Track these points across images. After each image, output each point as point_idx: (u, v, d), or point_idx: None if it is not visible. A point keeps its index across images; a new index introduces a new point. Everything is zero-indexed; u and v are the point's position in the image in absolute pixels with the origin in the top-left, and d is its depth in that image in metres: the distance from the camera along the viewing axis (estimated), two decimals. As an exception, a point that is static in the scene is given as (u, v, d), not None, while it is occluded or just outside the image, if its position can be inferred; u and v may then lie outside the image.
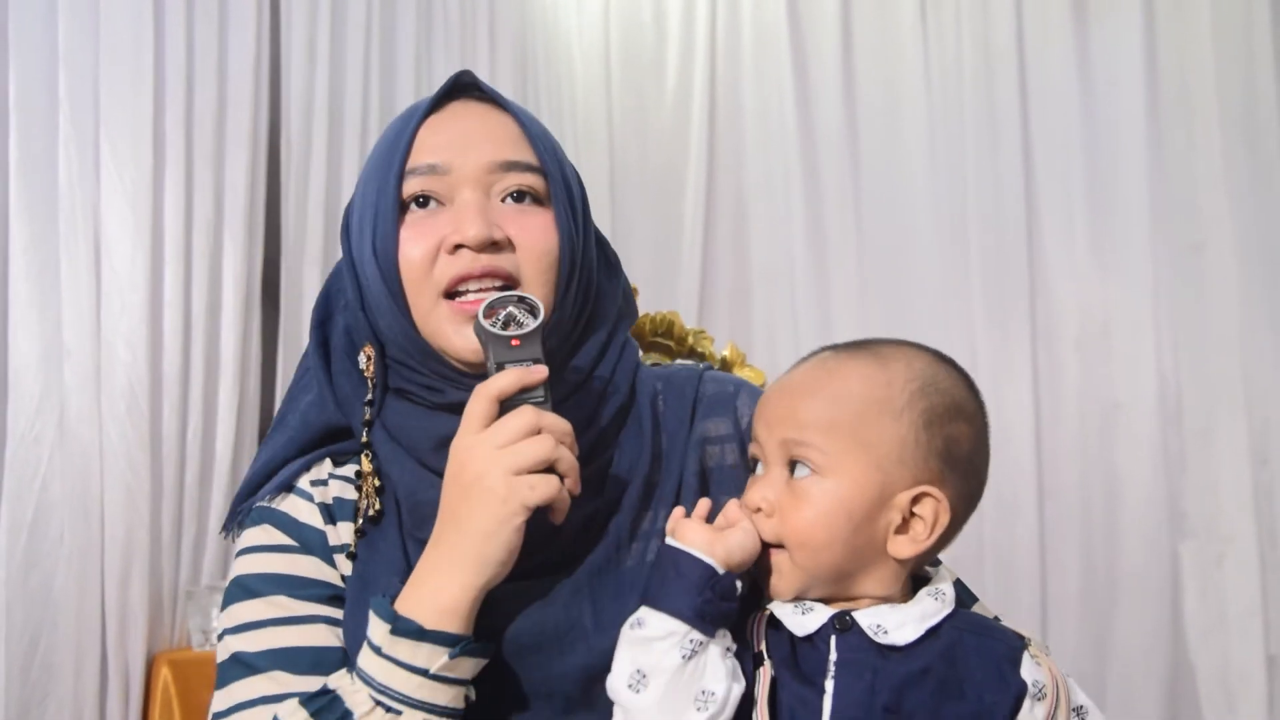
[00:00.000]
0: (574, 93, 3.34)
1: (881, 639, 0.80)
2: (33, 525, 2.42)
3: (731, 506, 0.86)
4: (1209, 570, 3.25)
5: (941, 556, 0.92)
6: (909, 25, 3.45)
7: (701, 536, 0.82)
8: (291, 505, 0.98)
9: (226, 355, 2.64)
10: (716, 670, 0.79)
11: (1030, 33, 3.44)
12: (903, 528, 0.83)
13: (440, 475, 0.92)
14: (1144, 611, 3.25)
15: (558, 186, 0.96)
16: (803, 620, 0.83)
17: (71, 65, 2.51)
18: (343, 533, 0.97)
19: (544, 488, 0.83)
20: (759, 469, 0.88)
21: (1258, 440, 3.26)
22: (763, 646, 0.83)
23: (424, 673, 0.82)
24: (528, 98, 3.19)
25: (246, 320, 2.68)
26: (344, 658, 0.92)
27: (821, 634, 0.82)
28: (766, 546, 0.85)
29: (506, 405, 0.86)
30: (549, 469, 0.84)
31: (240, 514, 1.01)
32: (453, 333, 0.92)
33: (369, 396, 0.96)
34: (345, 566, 0.96)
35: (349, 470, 1.00)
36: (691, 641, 0.78)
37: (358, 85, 2.88)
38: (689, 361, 1.60)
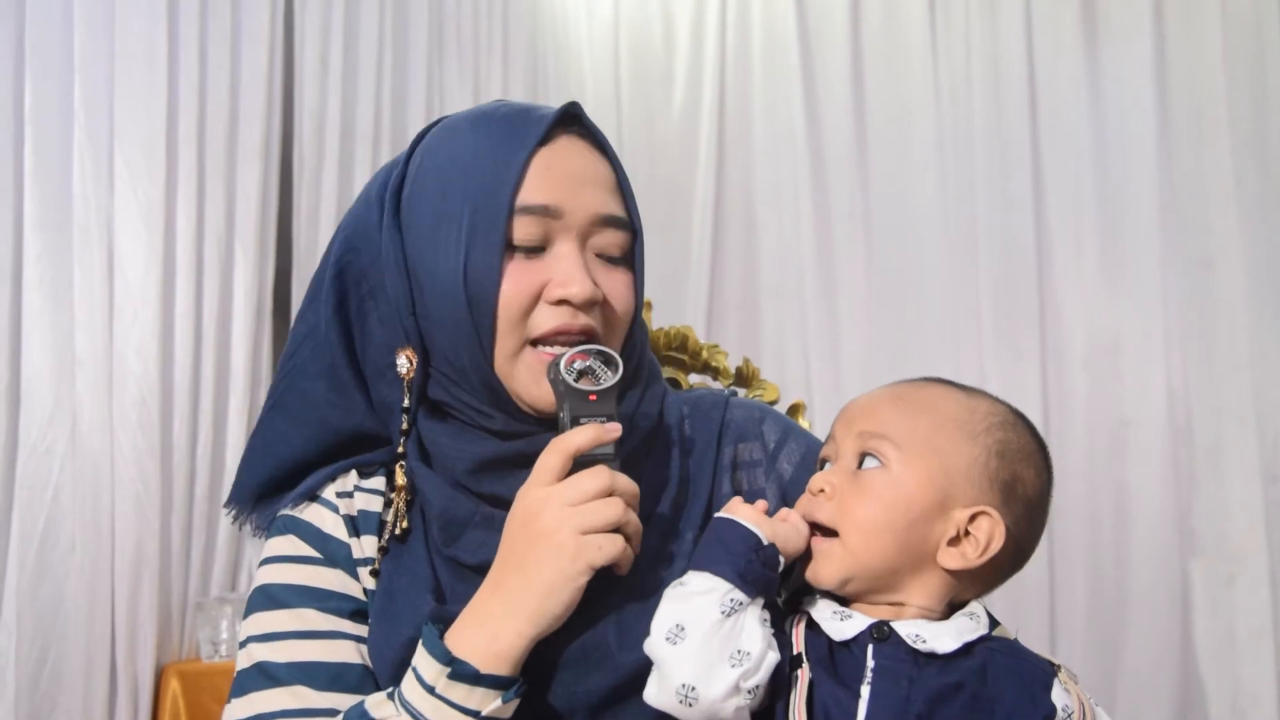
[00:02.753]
0: (584, 104, 3.33)
1: (920, 646, 0.81)
2: (44, 535, 2.42)
3: (785, 510, 0.88)
4: (1219, 589, 3.23)
5: None
6: (918, 40, 3.46)
7: (751, 513, 0.85)
8: (316, 515, 0.98)
9: (237, 367, 2.65)
10: (754, 632, 0.80)
11: (1040, 50, 3.45)
12: (955, 542, 0.85)
13: (474, 495, 0.93)
14: (1153, 630, 3.23)
15: (640, 245, 0.97)
16: (841, 626, 0.84)
17: (86, 77, 2.53)
18: (366, 546, 0.97)
19: (610, 549, 0.84)
20: (827, 466, 0.90)
21: (1268, 457, 3.25)
22: (802, 647, 0.84)
23: (475, 714, 0.83)
24: (538, 111, 3.20)
25: (257, 332, 2.69)
26: (364, 674, 0.92)
27: (859, 641, 0.83)
28: (814, 533, 0.86)
29: (579, 461, 0.86)
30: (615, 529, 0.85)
31: (265, 519, 1.01)
32: (532, 382, 0.91)
33: (405, 403, 0.95)
34: (369, 580, 0.96)
35: (374, 482, 0.99)
36: (731, 600, 0.80)
37: (370, 98, 2.90)
38: (706, 379, 1.60)
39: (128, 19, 2.57)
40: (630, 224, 0.95)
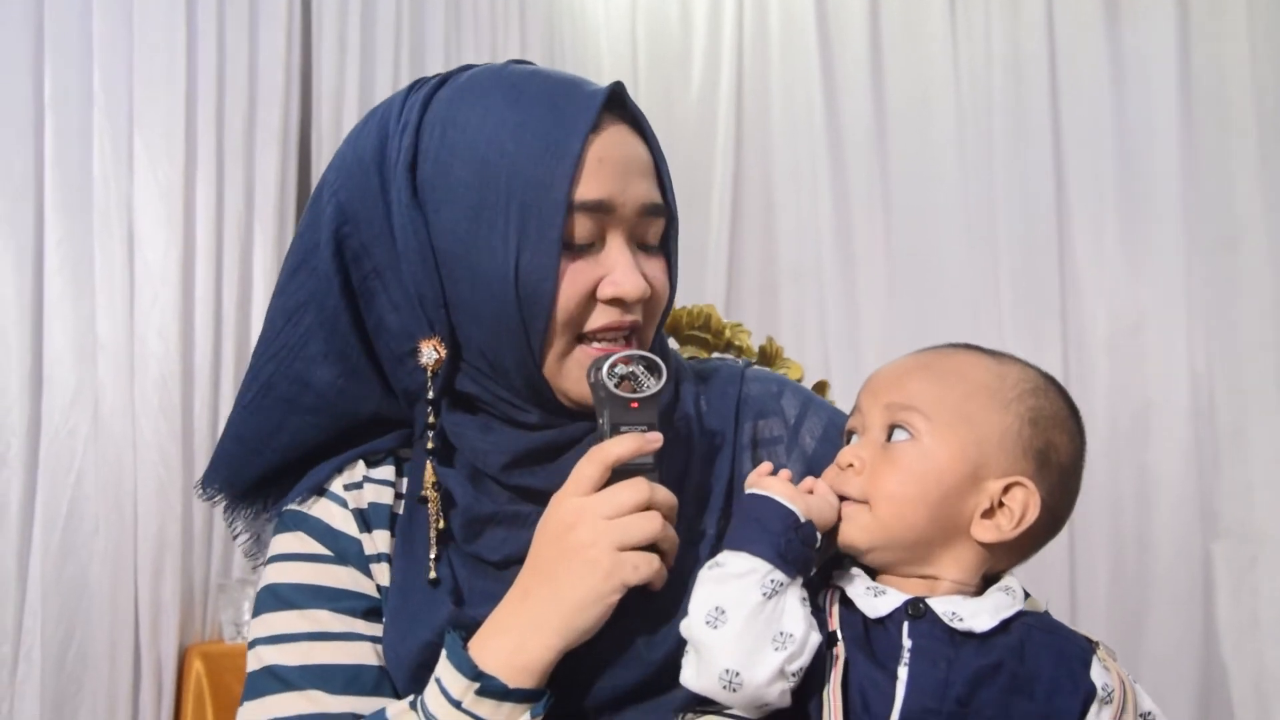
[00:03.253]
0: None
1: (957, 625, 0.79)
2: (68, 518, 2.44)
3: (810, 479, 0.86)
4: (1242, 572, 3.21)
5: None
6: (938, 21, 3.43)
7: (785, 488, 0.82)
8: (325, 510, 0.93)
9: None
10: (795, 613, 0.78)
11: (1061, 29, 3.41)
12: (989, 514, 0.83)
13: (501, 488, 0.89)
14: (1176, 613, 3.22)
15: (675, 229, 0.93)
16: (875, 602, 0.82)
17: (106, 62, 2.53)
18: (378, 541, 0.92)
19: (646, 569, 0.82)
20: (854, 439, 0.88)
21: (1292, 440, 3.22)
22: (836, 625, 0.82)
23: None
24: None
25: (277, 315, 2.69)
26: (380, 675, 0.89)
27: (894, 618, 0.81)
28: (843, 503, 0.85)
29: (617, 471, 0.83)
30: (651, 546, 0.82)
31: (253, 513, 0.98)
32: (582, 378, 0.88)
33: (431, 395, 0.90)
34: (381, 575, 0.92)
35: (383, 472, 0.95)
36: (772, 581, 0.78)
37: (388, 81, 2.89)
38: (727, 356, 1.58)
39: (146, 4, 2.57)
40: (669, 211, 0.92)
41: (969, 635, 0.79)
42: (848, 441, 0.89)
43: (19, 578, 2.41)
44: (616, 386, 0.84)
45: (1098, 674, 0.81)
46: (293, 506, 0.95)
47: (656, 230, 0.91)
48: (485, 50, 3.07)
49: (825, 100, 3.38)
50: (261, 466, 0.97)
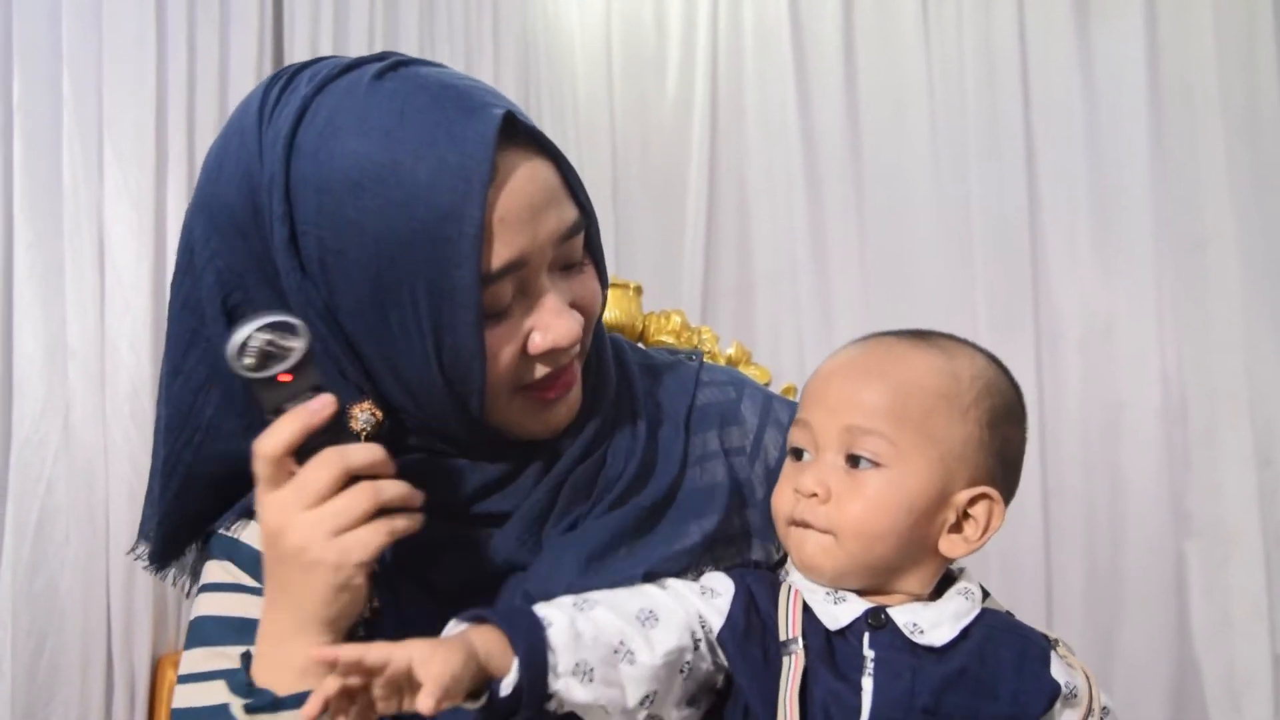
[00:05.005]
0: (576, 92, 3.33)
1: (919, 639, 0.78)
2: (38, 528, 2.41)
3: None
4: (1214, 570, 3.24)
5: None
6: (911, 24, 3.45)
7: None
8: (253, 535, 0.90)
9: (230, 357, 2.64)
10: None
11: (1032, 32, 3.44)
12: (956, 526, 0.82)
13: (470, 522, 0.87)
14: (1149, 612, 3.25)
15: (595, 225, 0.89)
16: (835, 611, 0.80)
17: (75, 64, 2.51)
18: None
19: (375, 538, 0.76)
20: (805, 456, 0.84)
21: (1262, 440, 3.25)
22: (798, 632, 0.79)
23: None
24: (529, 97, 3.19)
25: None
26: None
27: (854, 628, 0.80)
28: (796, 525, 0.82)
29: (304, 451, 0.76)
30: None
31: (201, 541, 0.94)
32: (527, 420, 0.84)
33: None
34: None
35: None
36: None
37: (361, 85, 2.88)
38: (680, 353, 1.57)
39: (116, 6, 2.55)
40: (586, 221, 0.86)
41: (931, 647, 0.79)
42: (796, 457, 0.85)
43: (-12, 588, 2.38)
44: (259, 370, 0.74)
45: (1059, 671, 0.80)
46: (222, 531, 0.92)
47: (577, 244, 0.86)
48: (460, 55, 3.06)
49: (799, 105, 3.39)
50: (196, 535, 0.94)
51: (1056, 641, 0.82)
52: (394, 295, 0.78)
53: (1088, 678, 0.80)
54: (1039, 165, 3.42)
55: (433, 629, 0.83)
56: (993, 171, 3.40)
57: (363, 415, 0.83)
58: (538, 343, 0.82)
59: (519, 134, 0.81)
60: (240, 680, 0.79)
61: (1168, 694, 3.23)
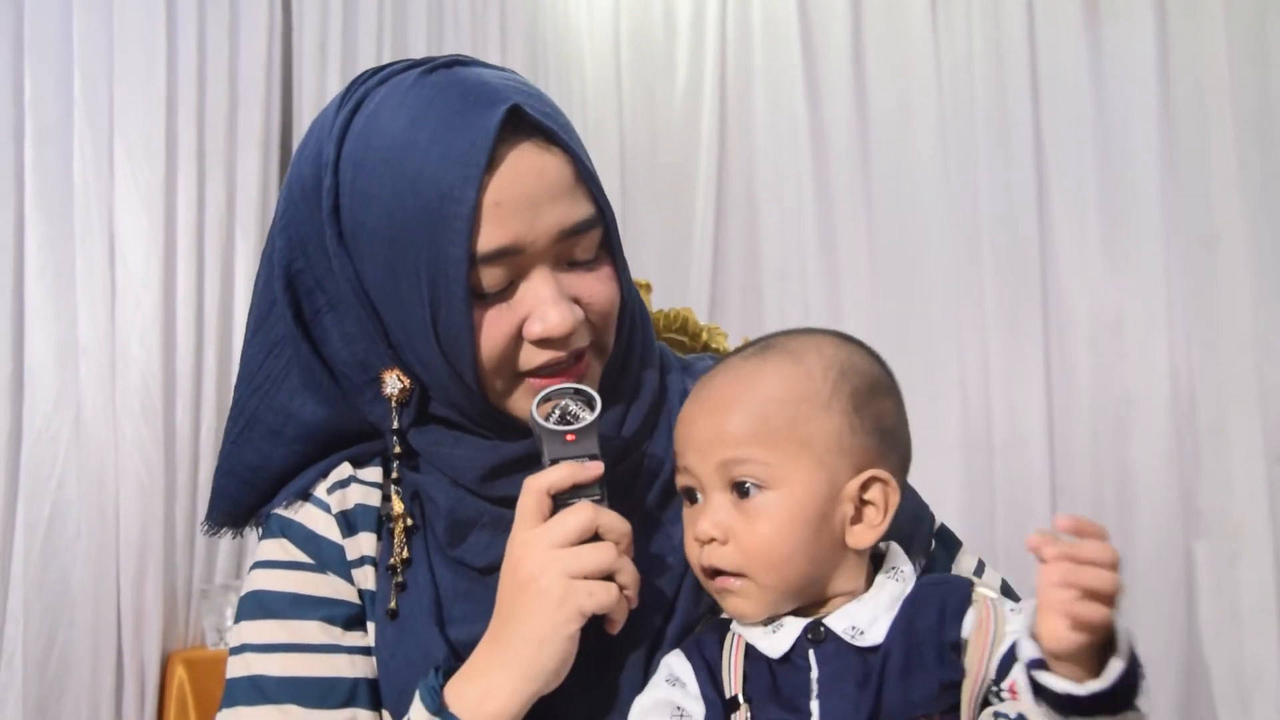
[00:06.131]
0: (584, 90, 3.33)
1: (860, 641, 0.77)
2: (50, 523, 2.43)
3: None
4: (1223, 568, 3.23)
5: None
6: (920, 22, 3.44)
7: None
8: (308, 516, 0.93)
9: (239, 353, 2.65)
10: None
11: (1042, 30, 3.43)
12: (856, 517, 0.81)
13: (483, 500, 0.89)
14: (1158, 610, 3.24)
15: (613, 227, 0.89)
16: (775, 640, 0.79)
17: (86, 65, 2.52)
18: (363, 543, 0.92)
19: (602, 595, 0.80)
20: (697, 498, 0.84)
21: (1272, 437, 3.24)
22: (739, 688, 0.79)
23: None
24: (539, 96, 3.19)
25: (259, 318, 2.69)
26: (353, 687, 0.89)
27: (797, 649, 0.79)
28: (708, 575, 0.82)
29: (560, 502, 0.83)
30: (608, 577, 0.81)
31: (258, 519, 0.97)
32: (528, 408, 0.87)
33: (395, 425, 0.90)
34: (365, 579, 0.92)
35: (371, 473, 0.94)
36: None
37: (369, 84, 2.89)
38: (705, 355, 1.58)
39: (126, 6, 2.56)
40: (601, 217, 0.87)
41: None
42: (690, 499, 0.85)
43: (1, 583, 2.40)
44: (551, 421, 0.84)
45: (968, 622, 0.78)
46: (278, 511, 0.95)
47: (588, 244, 0.87)
48: (466, 53, 3.07)
49: (808, 102, 3.39)
50: (256, 497, 0.97)
51: (973, 585, 0.80)
52: (402, 267, 0.84)
53: (992, 609, 0.77)
54: (1048, 162, 3.41)
55: (460, 604, 0.88)
56: (1001, 168, 3.40)
57: (390, 380, 0.89)
58: (533, 330, 0.85)
59: (532, 128, 0.84)
60: (433, 692, 0.81)
61: (1176, 691, 3.22)
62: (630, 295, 0.94)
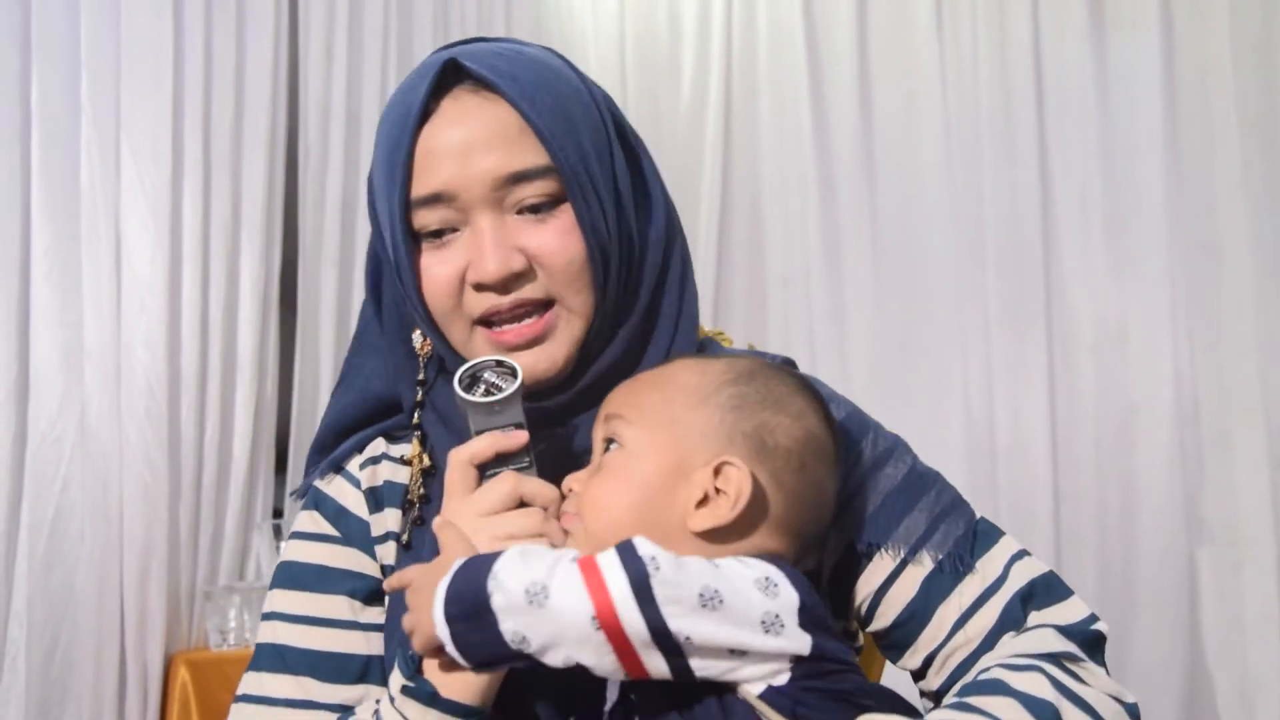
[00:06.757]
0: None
1: None
2: (54, 525, 2.44)
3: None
4: (1227, 576, 3.23)
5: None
6: (925, 30, 3.44)
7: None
8: (339, 490, 0.98)
9: (244, 357, 2.66)
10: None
11: (1047, 37, 3.43)
12: (703, 502, 0.81)
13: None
14: (1161, 617, 3.23)
15: (576, 175, 0.88)
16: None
17: (92, 69, 2.53)
18: (389, 519, 0.96)
19: None
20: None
21: (1276, 444, 3.24)
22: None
23: None
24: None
25: (264, 322, 2.69)
26: (367, 664, 0.92)
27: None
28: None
29: (487, 474, 0.84)
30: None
31: (299, 490, 1.02)
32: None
33: (420, 376, 0.95)
34: (388, 555, 0.95)
35: (403, 449, 0.98)
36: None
37: (375, 88, 2.90)
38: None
39: (133, 9, 2.57)
40: (552, 166, 0.87)
41: None
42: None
43: (4, 585, 2.41)
44: (476, 393, 0.86)
45: None
46: (316, 483, 1.00)
47: (536, 192, 0.88)
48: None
49: (813, 108, 3.39)
50: (316, 444, 1.03)
51: None
52: (380, 213, 0.92)
53: None
54: (1052, 168, 3.41)
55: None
56: (1006, 174, 3.40)
57: (416, 336, 0.96)
58: (470, 275, 0.88)
59: (475, 81, 0.88)
60: (408, 663, 0.82)
61: (1180, 699, 3.21)
62: (623, 243, 0.92)
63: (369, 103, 2.89)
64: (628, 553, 0.73)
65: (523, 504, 0.84)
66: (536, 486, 0.84)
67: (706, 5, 3.44)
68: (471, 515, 0.82)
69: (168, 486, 2.52)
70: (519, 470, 0.85)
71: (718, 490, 0.81)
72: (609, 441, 0.85)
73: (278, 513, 2.77)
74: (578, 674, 0.75)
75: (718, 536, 0.81)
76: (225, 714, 0.94)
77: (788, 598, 0.75)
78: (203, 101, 2.64)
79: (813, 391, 0.87)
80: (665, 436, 0.82)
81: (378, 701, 0.85)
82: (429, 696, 0.80)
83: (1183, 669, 3.22)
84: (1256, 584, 3.20)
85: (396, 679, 0.82)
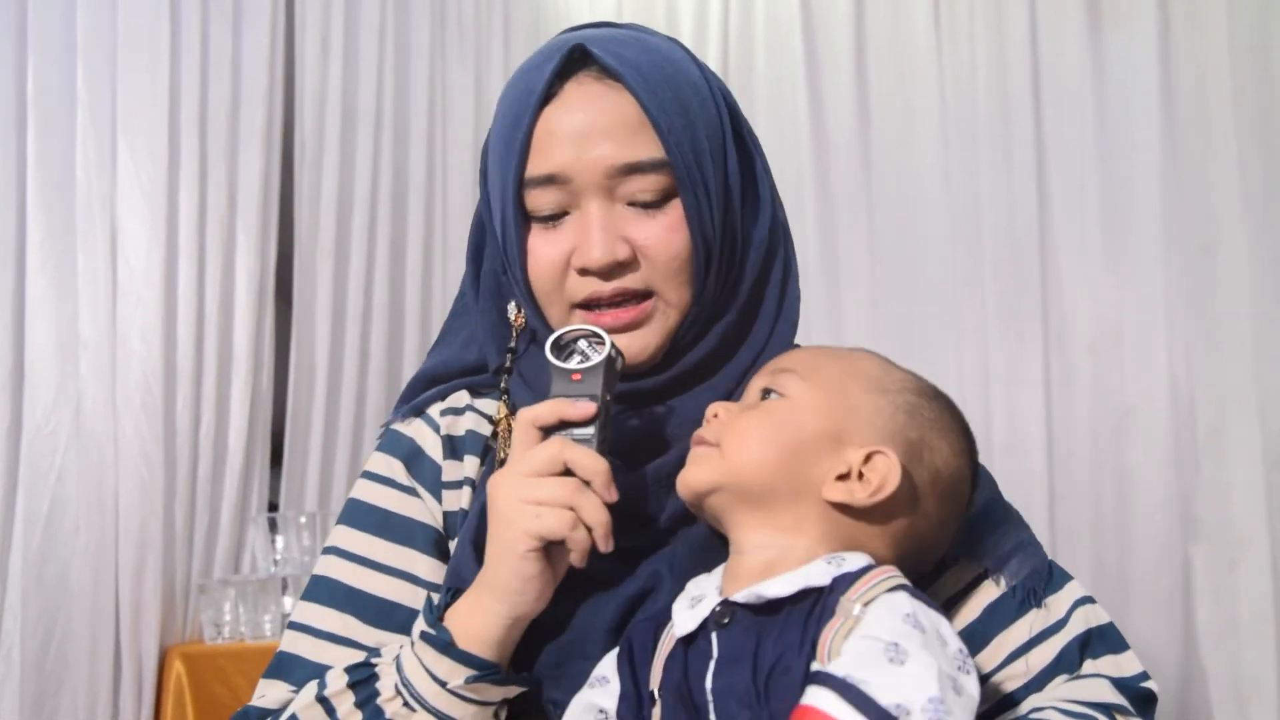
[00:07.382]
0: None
1: (755, 601, 0.76)
2: (48, 517, 2.44)
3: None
4: (1221, 574, 3.23)
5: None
6: (922, 27, 3.44)
7: None
8: (418, 431, 0.99)
9: (240, 350, 2.66)
10: None
11: (1044, 36, 3.43)
12: (845, 478, 0.80)
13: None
14: (1156, 616, 3.24)
15: (689, 172, 0.89)
16: (690, 615, 0.78)
17: (89, 62, 2.53)
18: (467, 466, 0.96)
19: (551, 520, 0.80)
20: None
21: (1271, 443, 3.24)
22: (657, 683, 0.78)
23: (442, 684, 0.82)
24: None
25: (259, 315, 2.69)
26: (411, 616, 0.90)
27: (704, 630, 0.78)
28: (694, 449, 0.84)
29: (549, 435, 0.84)
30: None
31: (380, 429, 1.03)
32: None
33: (511, 344, 0.96)
34: (458, 500, 0.95)
35: (487, 405, 0.98)
36: None
37: (371, 82, 2.89)
38: None
39: (129, 2, 2.57)
40: (666, 160, 0.88)
41: (770, 613, 0.75)
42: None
43: (-1, 577, 2.41)
44: (567, 361, 0.86)
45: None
46: (395, 424, 1.00)
47: (648, 186, 0.89)
48: (469, 51, 3.07)
49: (810, 106, 3.39)
50: (418, 388, 1.03)
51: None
52: (495, 189, 0.93)
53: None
54: (1049, 167, 3.41)
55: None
56: (1003, 173, 3.40)
57: (511, 307, 0.96)
58: (575, 259, 0.89)
59: (601, 68, 0.90)
60: (432, 610, 0.84)
61: (1174, 698, 3.22)
62: (726, 243, 0.93)
63: (365, 97, 2.88)
64: None
65: (568, 472, 0.83)
66: (582, 455, 0.82)
67: (704, 5, 3.43)
68: (514, 474, 0.83)
69: (163, 479, 2.52)
70: (587, 444, 0.83)
71: (861, 475, 0.80)
72: (768, 392, 0.84)
73: (273, 506, 2.77)
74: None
75: (841, 512, 0.81)
76: (219, 707, 0.96)
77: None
78: (199, 94, 2.64)
79: (973, 439, 0.88)
80: (834, 404, 0.82)
81: (400, 646, 0.86)
82: (445, 645, 0.81)
83: (1177, 668, 3.23)
84: (1251, 583, 3.20)
85: (419, 624, 0.84)
